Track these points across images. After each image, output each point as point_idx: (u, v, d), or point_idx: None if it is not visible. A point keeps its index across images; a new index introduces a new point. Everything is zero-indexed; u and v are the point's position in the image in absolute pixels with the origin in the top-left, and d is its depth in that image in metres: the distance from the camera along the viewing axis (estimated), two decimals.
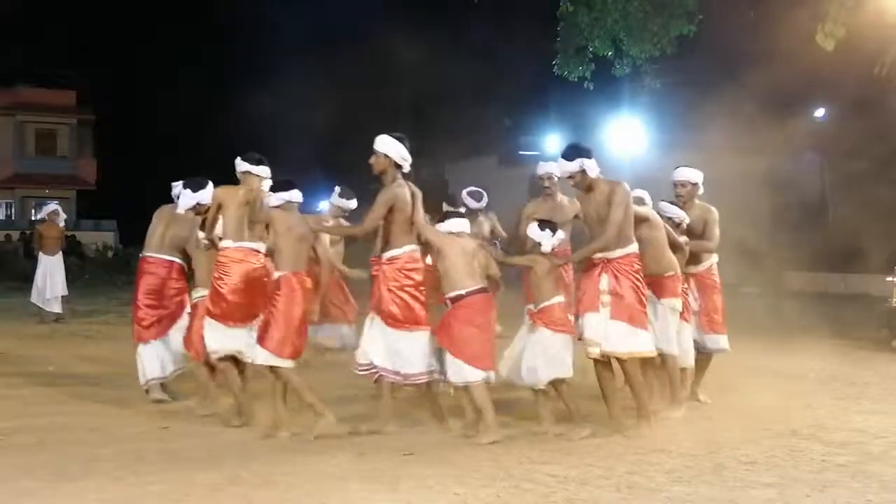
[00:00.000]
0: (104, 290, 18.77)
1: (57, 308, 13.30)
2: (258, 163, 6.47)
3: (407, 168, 6.02)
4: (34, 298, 13.28)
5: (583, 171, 5.86)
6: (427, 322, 5.94)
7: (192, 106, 36.03)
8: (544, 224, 5.97)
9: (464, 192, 8.24)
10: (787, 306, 12.90)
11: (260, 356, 5.83)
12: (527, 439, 5.69)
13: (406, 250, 5.95)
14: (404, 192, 5.98)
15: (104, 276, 22.43)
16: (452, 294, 5.79)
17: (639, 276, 5.86)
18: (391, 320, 5.88)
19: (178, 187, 7.02)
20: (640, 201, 6.50)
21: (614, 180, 5.93)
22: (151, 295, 7.10)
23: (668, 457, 5.24)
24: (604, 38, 12.93)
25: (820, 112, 21.68)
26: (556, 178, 7.27)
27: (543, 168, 7.46)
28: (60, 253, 13.58)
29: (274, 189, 6.09)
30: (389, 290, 5.89)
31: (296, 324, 5.81)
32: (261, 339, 5.83)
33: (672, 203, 6.80)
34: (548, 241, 5.87)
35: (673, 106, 18.08)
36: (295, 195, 6.01)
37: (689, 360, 6.65)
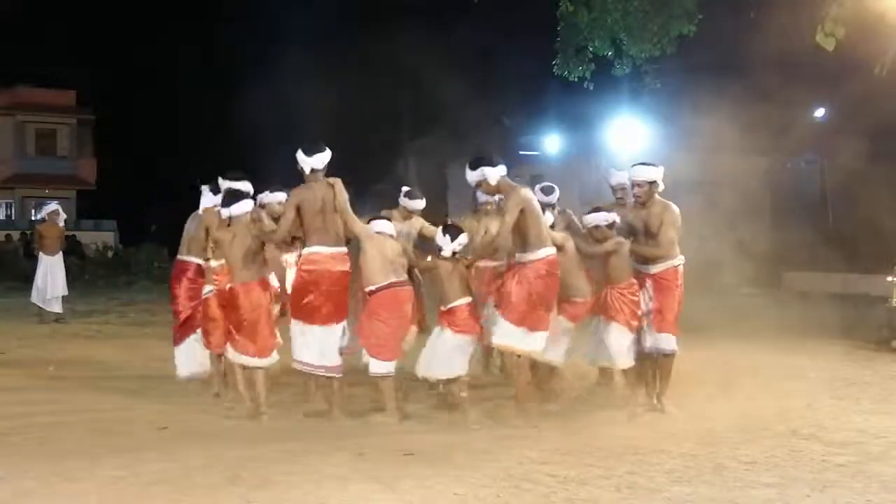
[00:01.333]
0: (104, 290, 18.78)
1: (57, 308, 13.29)
2: (238, 180, 6.81)
3: (307, 170, 6.39)
4: (34, 298, 13.28)
5: (484, 180, 6.26)
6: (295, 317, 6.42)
7: (192, 106, 36.05)
8: (447, 229, 6.29)
9: (536, 188, 7.51)
10: (786, 306, 12.90)
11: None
12: (527, 439, 5.69)
13: (309, 249, 6.33)
14: (309, 193, 6.32)
15: (104, 276, 22.42)
16: (366, 289, 6.25)
17: (536, 281, 6.11)
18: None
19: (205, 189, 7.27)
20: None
21: (512, 187, 6.22)
22: (189, 292, 7.26)
23: (668, 457, 5.25)
24: (604, 38, 12.92)
25: (820, 112, 21.66)
26: (627, 187, 7.12)
27: (616, 177, 7.28)
28: (61, 253, 13.57)
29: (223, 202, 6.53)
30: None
31: (244, 328, 6.37)
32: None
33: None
34: (448, 245, 6.19)
35: (673, 106, 18.06)
36: (236, 209, 6.43)
37: (621, 362, 6.54)
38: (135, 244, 27.50)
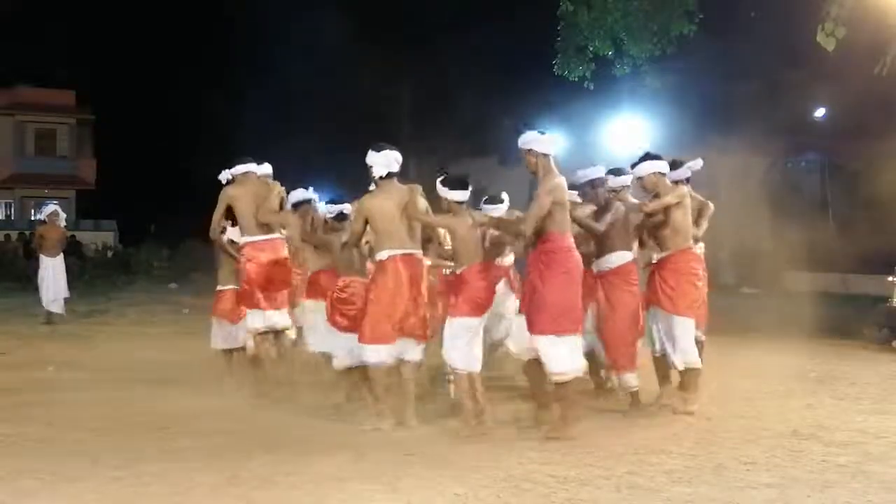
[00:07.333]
0: (104, 290, 18.76)
1: (57, 309, 13.23)
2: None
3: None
4: (44, 302, 13.14)
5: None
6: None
7: (192, 106, 36.03)
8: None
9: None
10: (787, 306, 12.90)
11: None
12: (527, 439, 5.68)
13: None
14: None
15: (104, 276, 22.41)
16: None
17: (243, 266, 7.16)
18: None
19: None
20: None
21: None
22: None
23: (668, 457, 5.24)
24: (604, 37, 12.94)
25: (820, 112, 21.66)
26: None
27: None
28: (62, 254, 13.47)
29: None
30: None
31: None
32: None
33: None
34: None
35: (673, 106, 18.08)
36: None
37: (335, 364, 6.60)
38: (135, 244, 27.52)
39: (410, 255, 6.09)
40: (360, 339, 6.05)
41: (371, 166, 6.18)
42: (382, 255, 6.07)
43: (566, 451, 5.36)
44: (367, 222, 6.13)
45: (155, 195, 35.18)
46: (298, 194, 7.13)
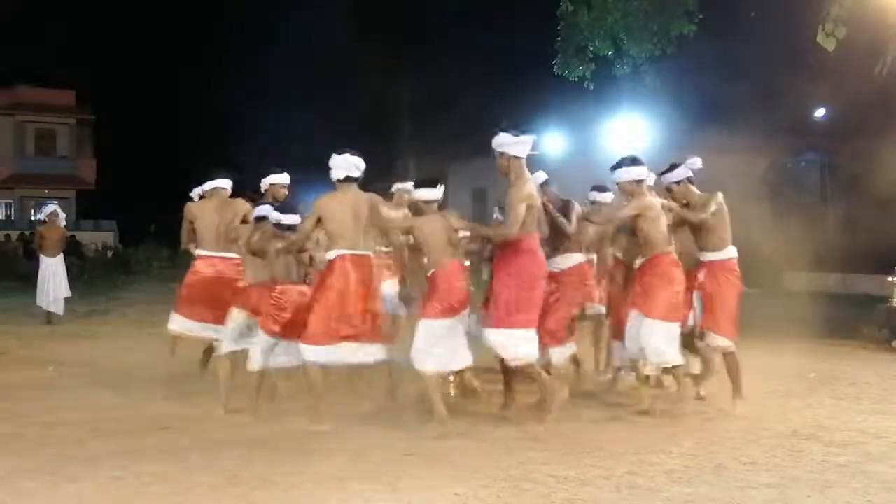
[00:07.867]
0: (104, 290, 18.76)
1: (56, 309, 13.22)
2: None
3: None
4: (39, 301, 13.15)
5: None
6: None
7: (192, 106, 36.06)
8: None
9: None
10: (787, 306, 12.90)
11: None
12: (527, 439, 5.69)
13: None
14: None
15: (104, 276, 22.41)
16: None
17: None
18: None
19: None
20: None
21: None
22: None
23: (668, 457, 5.24)
24: (604, 37, 12.94)
25: (820, 112, 21.67)
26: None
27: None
28: (62, 255, 13.45)
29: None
30: None
31: None
32: None
33: None
34: None
35: (673, 106, 18.07)
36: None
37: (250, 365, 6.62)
38: (135, 244, 27.55)
39: (360, 255, 6.13)
40: (303, 339, 6.05)
41: (331, 168, 6.25)
42: (331, 254, 6.14)
43: (566, 451, 5.36)
44: (319, 222, 6.18)
45: (155, 195, 35.19)
46: (262, 210, 6.85)
